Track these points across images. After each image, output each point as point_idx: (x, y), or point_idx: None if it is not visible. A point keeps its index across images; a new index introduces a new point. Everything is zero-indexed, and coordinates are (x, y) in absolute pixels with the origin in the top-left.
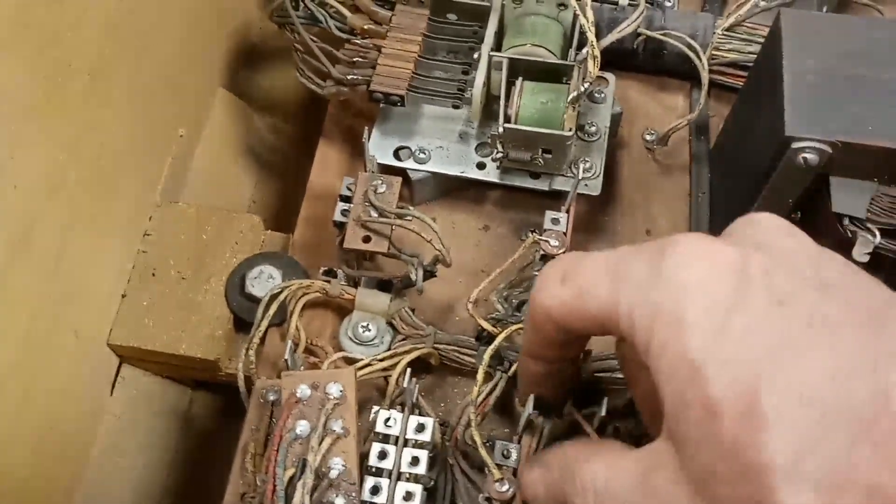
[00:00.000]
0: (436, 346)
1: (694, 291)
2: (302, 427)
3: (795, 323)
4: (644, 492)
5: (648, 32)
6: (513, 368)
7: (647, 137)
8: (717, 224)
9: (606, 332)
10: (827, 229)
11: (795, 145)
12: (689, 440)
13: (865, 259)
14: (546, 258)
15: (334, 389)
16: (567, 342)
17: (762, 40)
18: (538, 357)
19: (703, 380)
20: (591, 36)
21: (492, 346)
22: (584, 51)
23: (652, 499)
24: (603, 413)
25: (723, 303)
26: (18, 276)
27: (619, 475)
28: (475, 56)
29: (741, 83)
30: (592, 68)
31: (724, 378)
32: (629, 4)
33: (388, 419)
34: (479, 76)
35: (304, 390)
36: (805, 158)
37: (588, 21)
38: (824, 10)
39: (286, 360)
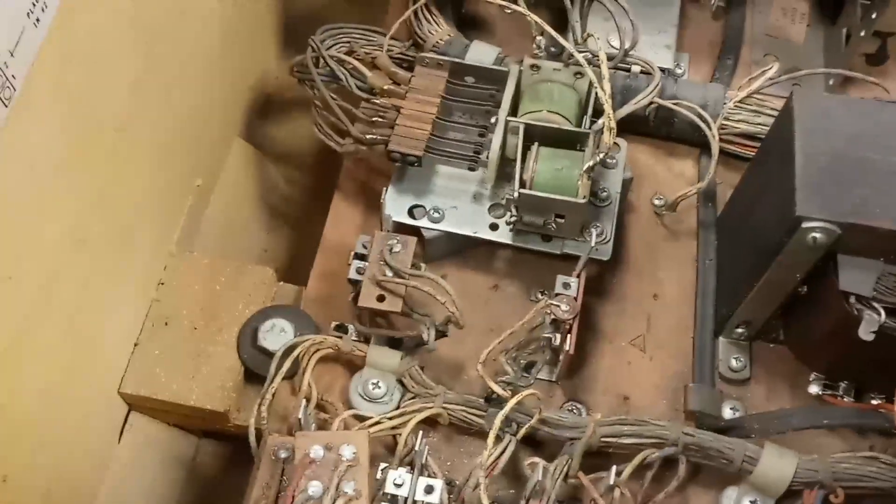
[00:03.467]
0: (445, 405)
1: None
2: (314, 488)
3: None
4: None
5: (661, 101)
6: (521, 432)
7: (656, 202)
8: (723, 291)
9: None
10: (832, 306)
11: (806, 224)
12: None
13: (870, 338)
14: (556, 322)
15: (347, 452)
16: None
17: (772, 112)
18: None
19: None
20: (608, 108)
21: (503, 412)
22: (601, 121)
23: None
24: (611, 481)
25: None
26: (38, 329)
27: None
28: (492, 119)
29: (750, 153)
30: (608, 139)
31: None
32: (642, 72)
33: (396, 479)
34: (496, 140)
35: (317, 451)
36: (814, 238)
37: (605, 93)
38: (830, 83)
39: (299, 420)
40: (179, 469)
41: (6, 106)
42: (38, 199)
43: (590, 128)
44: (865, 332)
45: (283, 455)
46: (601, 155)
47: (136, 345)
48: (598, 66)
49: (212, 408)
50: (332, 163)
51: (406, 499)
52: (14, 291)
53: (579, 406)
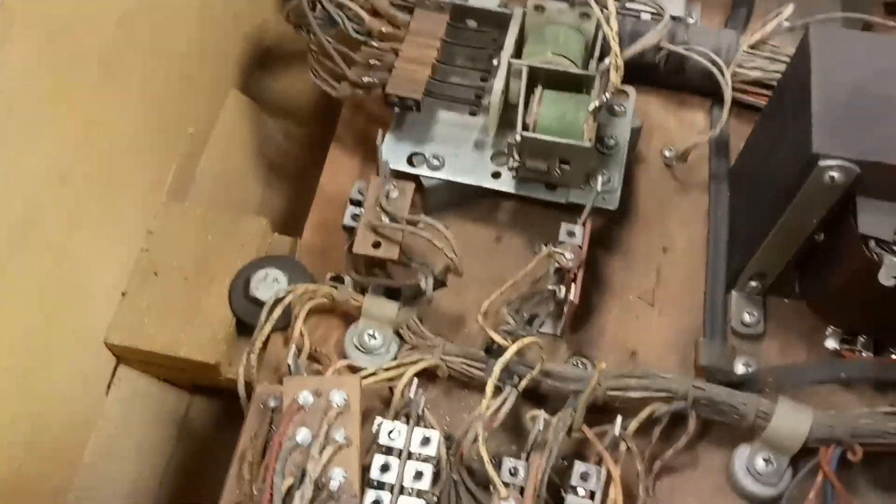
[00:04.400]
0: (443, 357)
1: None
2: (302, 435)
3: None
4: None
5: (671, 47)
6: (522, 383)
7: (667, 154)
8: (736, 243)
9: None
10: (851, 252)
11: (823, 163)
12: None
13: (892, 283)
14: (560, 272)
15: (338, 397)
16: None
17: (787, 59)
18: None
19: None
20: (614, 46)
21: (502, 359)
22: (607, 61)
23: None
24: (616, 433)
25: None
26: (18, 267)
27: None
28: (494, 63)
29: (764, 102)
30: (615, 78)
31: None
32: (652, 18)
33: (391, 431)
34: (498, 83)
35: (306, 397)
36: (832, 177)
37: (612, 31)
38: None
39: (289, 366)
40: (170, 425)
41: None
42: (16, 130)
43: (597, 69)
44: (886, 278)
45: (271, 404)
46: (608, 95)
47: (123, 294)
48: (605, 5)
49: (202, 360)
50: (331, 117)
51: (401, 451)
52: None
53: (584, 361)
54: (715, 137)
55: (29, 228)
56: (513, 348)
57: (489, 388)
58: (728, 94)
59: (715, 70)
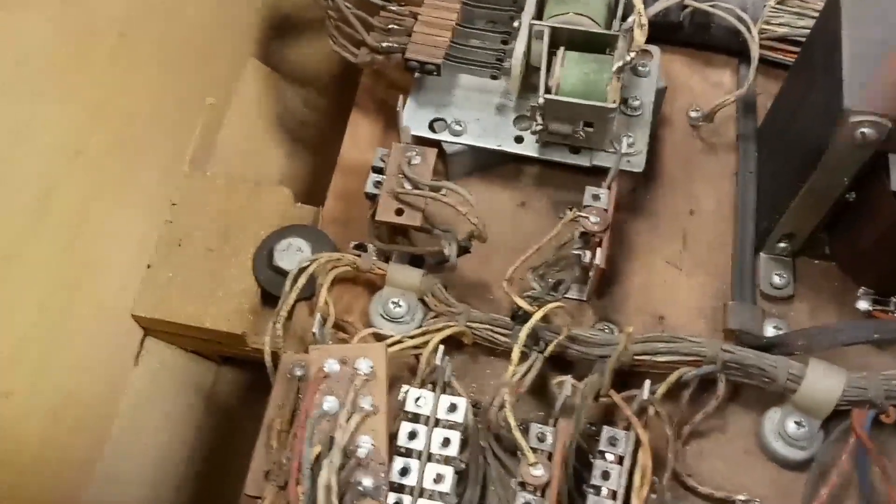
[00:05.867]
0: (469, 324)
1: None
2: (329, 403)
3: None
4: None
5: (696, 4)
6: (549, 349)
7: (692, 114)
8: (765, 204)
9: None
10: (883, 210)
11: (853, 119)
12: None
13: None
14: (585, 236)
15: (364, 365)
16: None
17: (815, 15)
18: None
19: None
20: (638, 3)
21: (528, 325)
22: (630, 19)
23: None
24: (645, 396)
25: None
26: (37, 241)
27: None
28: (515, 25)
29: (791, 59)
30: (639, 37)
31: None
32: None
33: (418, 398)
34: (519, 45)
35: (332, 365)
36: (863, 133)
37: None
38: None
39: (314, 334)
40: (198, 396)
41: None
42: (31, 100)
43: (620, 29)
44: None
45: (298, 373)
46: (632, 55)
47: (148, 266)
48: None
49: (228, 330)
50: (351, 85)
51: (428, 418)
52: (8, 198)
53: (611, 326)
54: (742, 97)
55: (46, 201)
56: (538, 314)
57: (515, 354)
58: (755, 52)
59: (741, 27)
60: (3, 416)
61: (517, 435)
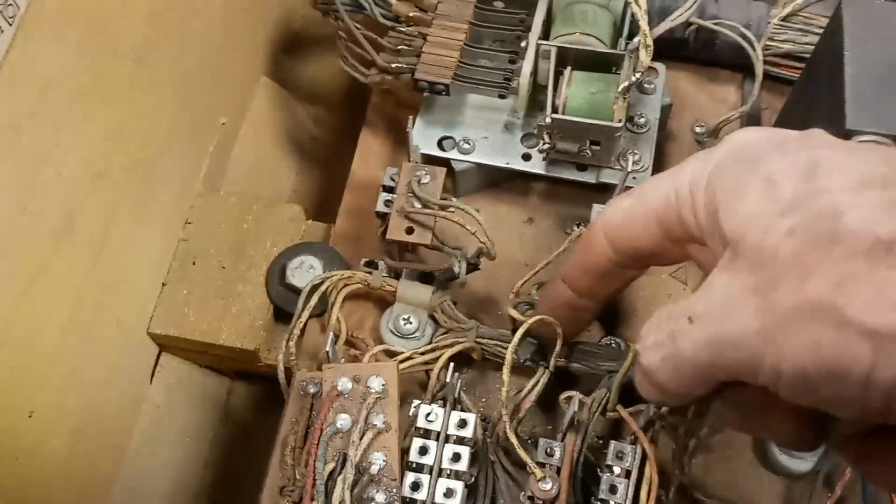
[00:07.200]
0: (478, 340)
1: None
2: (343, 421)
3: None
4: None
5: (701, 22)
6: (553, 363)
7: (698, 130)
8: None
9: (666, 225)
10: None
11: (857, 139)
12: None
13: None
14: None
15: (376, 383)
16: (609, 272)
17: (819, 31)
18: (576, 284)
19: None
20: (643, 24)
21: (518, 333)
22: (636, 39)
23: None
24: (651, 411)
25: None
26: (62, 262)
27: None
28: (522, 45)
29: (796, 75)
30: (644, 57)
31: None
32: None
33: (429, 414)
34: (527, 65)
35: (345, 383)
36: None
37: (641, 9)
38: None
39: (327, 353)
40: (212, 410)
41: (10, 25)
42: (54, 127)
43: (626, 49)
44: None
45: (311, 390)
46: (637, 75)
47: (164, 284)
48: None
49: (242, 346)
50: (361, 101)
51: (439, 433)
52: (34, 222)
53: (618, 340)
54: (747, 112)
55: (70, 224)
56: (530, 320)
57: (506, 371)
58: (759, 68)
59: (745, 44)
60: (28, 435)
61: (522, 453)
